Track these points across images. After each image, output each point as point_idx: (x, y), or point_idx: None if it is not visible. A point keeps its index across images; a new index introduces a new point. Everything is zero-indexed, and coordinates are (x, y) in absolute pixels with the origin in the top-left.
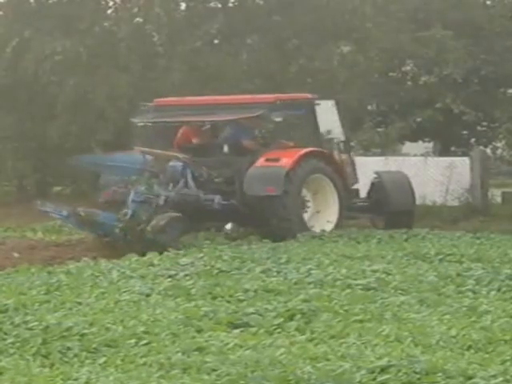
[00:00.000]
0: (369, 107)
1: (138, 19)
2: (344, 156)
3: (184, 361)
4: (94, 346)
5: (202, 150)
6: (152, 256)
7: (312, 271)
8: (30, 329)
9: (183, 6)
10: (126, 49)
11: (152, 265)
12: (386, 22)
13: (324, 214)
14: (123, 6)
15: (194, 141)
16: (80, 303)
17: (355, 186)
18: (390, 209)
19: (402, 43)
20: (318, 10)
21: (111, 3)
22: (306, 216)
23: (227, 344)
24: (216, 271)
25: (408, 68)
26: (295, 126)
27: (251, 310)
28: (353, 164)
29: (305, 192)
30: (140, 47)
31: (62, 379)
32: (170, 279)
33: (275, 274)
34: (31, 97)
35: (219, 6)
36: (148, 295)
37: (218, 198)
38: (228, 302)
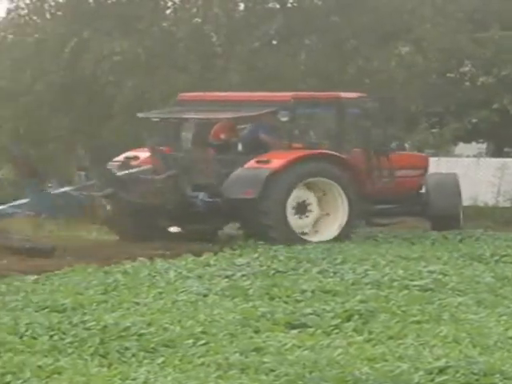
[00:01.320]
0: (425, 108)
1: (196, 19)
2: (382, 157)
3: (242, 361)
4: (151, 345)
5: (226, 147)
6: (208, 256)
7: (368, 272)
8: (88, 328)
9: (242, 6)
10: (184, 49)
11: (208, 265)
12: (444, 22)
13: (332, 219)
14: (182, 6)
15: (222, 137)
16: (137, 303)
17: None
18: (433, 213)
19: (460, 44)
20: (376, 11)
21: (170, 3)
22: (306, 221)
23: (285, 344)
24: (272, 271)
25: (466, 69)
26: (317, 125)
27: (309, 310)
28: (400, 166)
29: (306, 196)
30: (198, 47)
31: (120, 379)
32: (226, 279)
33: (332, 274)
34: (89, 97)
35: (278, 6)
36: (205, 295)
37: (202, 195)
38: (285, 302)
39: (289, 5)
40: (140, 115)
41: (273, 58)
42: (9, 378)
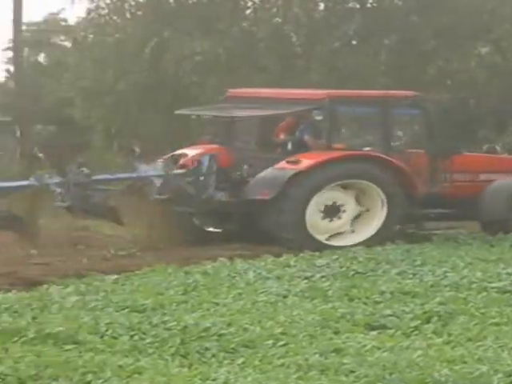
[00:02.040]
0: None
1: (276, 19)
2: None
3: (322, 362)
4: (232, 346)
5: (282, 145)
6: (288, 257)
7: (447, 274)
8: (169, 329)
9: (322, 6)
10: (264, 49)
11: (288, 266)
12: None
13: (367, 222)
14: (262, 7)
15: (281, 136)
16: (217, 304)
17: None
18: (484, 217)
19: None
20: (456, 11)
21: (250, 3)
22: (334, 224)
23: (364, 346)
24: (352, 273)
25: None
26: (361, 125)
27: (388, 311)
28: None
29: (341, 198)
30: (278, 47)
31: (201, 379)
32: (306, 280)
33: (411, 276)
34: (173, 97)
35: (357, 6)
36: (285, 296)
37: (220, 195)
38: (364, 303)
39: (368, 5)
40: (178, 112)
41: (352, 58)
42: (90, 377)
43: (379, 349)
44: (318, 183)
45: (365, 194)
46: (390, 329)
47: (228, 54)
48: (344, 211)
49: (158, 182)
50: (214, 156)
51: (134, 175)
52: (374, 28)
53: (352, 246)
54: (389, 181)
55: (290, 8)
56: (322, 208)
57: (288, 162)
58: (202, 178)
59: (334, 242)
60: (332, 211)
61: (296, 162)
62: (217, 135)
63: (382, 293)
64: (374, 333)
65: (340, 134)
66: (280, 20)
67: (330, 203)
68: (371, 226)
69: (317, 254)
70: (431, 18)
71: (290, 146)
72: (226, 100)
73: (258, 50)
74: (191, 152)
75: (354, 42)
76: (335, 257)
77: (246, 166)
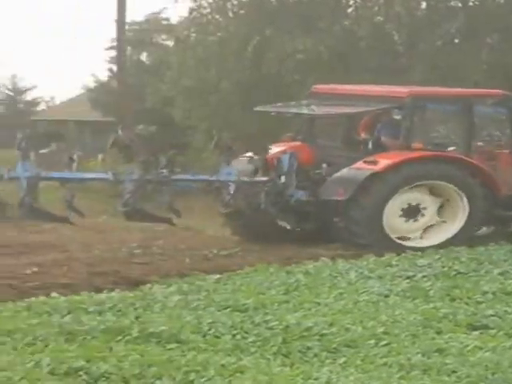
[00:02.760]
0: None
1: (378, 18)
2: None
3: (424, 362)
4: (333, 346)
5: (364, 144)
6: (390, 257)
7: None
8: (271, 328)
9: (424, 4)
10: (366, 48)
11: (390, 265)
12: None
13: (447, 225)
14: (363, 5)
15: (363, 134)
16: (319, 303)
17: None
18: None
19: None
20: None
21: (351, 2)
22: (415, 225)
23: (467, 346)
24: (453, 273)
25: None
26: (443, 124)
27: (490, 312)
28: None
29: (422, 199)
30: (380, 46)
31: (303, 378)
32: (407, 280)
33: None
34: (275, 96)
35: (459, 5)
36: (386, 296)
37: (300, 194)
38: (466, 303)
39: (471, 3)
40: (257, 109)
41: (454, 57)
42: (193, 376)
43: (481, 349)
44: (395, 185)
45: (438, 187)
46: (492, 329)
47: (329, 53)
48: (424, 208)
49: (231, 189)
50: (294, 154)
51: (213, 178)
52: (477, 26)
53: (423, 247)
54: (469, 182)
55: (391, 6)
56: (401, 211)
57: (365, 162)
58: (282, 178)
59: (427, 240)
60: (412, 211)
61: (373, 163)
62: (299, 132)
63: (484, 293)
64: (476, 333)
65: (421, 134)
66: (382, 19)
67: (407, 205)
68: (458, 216)
69: (419, 253)
70: None
71: (370, 145)
72: (309, 96)
73: (359, 49)
74: (272, 150)
75: (456, 41)
76: (437, 257)
77: (324, 165)
